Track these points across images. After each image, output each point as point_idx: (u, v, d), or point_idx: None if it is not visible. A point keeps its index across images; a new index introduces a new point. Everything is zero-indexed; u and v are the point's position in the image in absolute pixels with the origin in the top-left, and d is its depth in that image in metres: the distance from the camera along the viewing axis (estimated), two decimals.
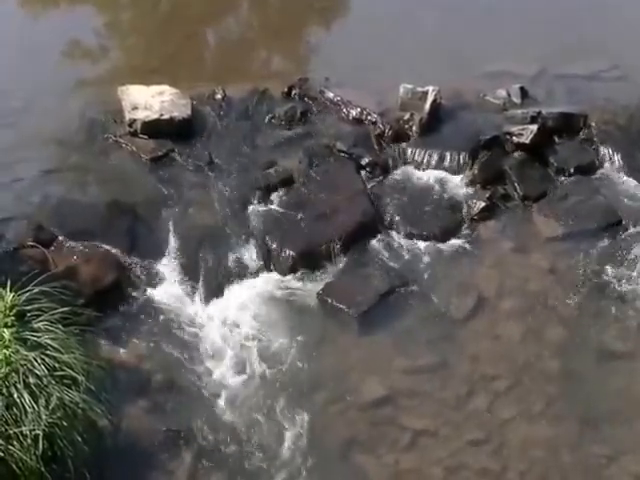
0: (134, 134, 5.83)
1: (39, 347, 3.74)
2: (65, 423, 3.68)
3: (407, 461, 4.30)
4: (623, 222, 5.58)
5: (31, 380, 3.65)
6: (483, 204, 5.62)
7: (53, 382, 3.69)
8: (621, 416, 4.54)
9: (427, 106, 6.03)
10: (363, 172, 5.80)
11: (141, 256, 5.05)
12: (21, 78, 6.34)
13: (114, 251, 5.00)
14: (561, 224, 5.55)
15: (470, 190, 5.73)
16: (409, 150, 5.92)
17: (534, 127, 5.93)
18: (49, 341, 3.76)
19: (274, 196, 5.54)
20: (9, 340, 3.72)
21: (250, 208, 5.44)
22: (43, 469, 3.64)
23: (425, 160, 5.86)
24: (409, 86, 6.14)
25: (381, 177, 5.79)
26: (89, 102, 6.15)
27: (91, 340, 4.29)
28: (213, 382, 4.58)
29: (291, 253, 5.18)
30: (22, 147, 5.68)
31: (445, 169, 5.84)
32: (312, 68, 6.97)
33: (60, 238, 5.02)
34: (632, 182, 5.86)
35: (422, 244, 5.41)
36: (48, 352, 3.73)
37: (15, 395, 3.62)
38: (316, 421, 4.42)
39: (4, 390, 3.63)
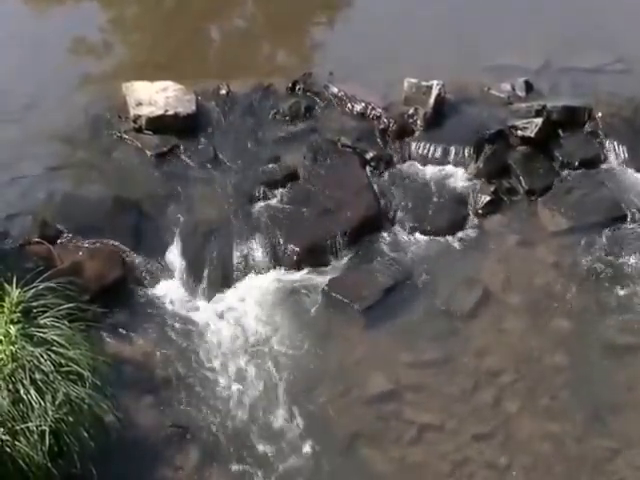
0: (139, 130, 5.83)
1: (45, 343, 3.75)
2: (71, 419, 3.69)
3: (413, 455, 4.30)
4: (628, 215, 5.55)
5: (37, 376, 3.66)
6: (488, 198, 5.60)
7: (59, 378, 3.69)
8: (627, 409, 4.52)
9: (431, 100, 6.01)
10: (368, 167, 5.79)
11: (146, 252, 5.05)
12: (26, 75, 6.33)
13: (119, 247, 5.00)
14: (566, 218, 5.52)
15: (475, 184, 5.71)
16: (413, 144, 5.90)
17: (539, 121, 5.90)
18: (55, 337, 3.76)
19: (278, 191, 5.52)
20: (15, 336, 3.71)
21: (255, 204, 5.43)
22: (49, 465, 3.65)
23: (429, 154, 5.84)
24: (413, 80, 6.11)
25: (386, 172, 5.77)
26: (94, 98, 6.15)
27: (97, 336, 4.31)
28: (218, 377, 4.58)
29: (296, 248, 5.17)
30: (27, 143, 5.68)
31: (449, 163, 5.82)
32: (316, 63, 6.95)
33: (65, 234, 5.03)
34: (637, 175, 5.83)
35: (427, 238, 5.40)
36: (54, 348, 3.74)
37: (21, 391, 3.63)
38: (322, 416, 4.42)
39: (10, 386, 3.64)
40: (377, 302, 4.98)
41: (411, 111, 6.01)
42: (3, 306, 3.78)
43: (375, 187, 5.64)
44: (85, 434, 3.73)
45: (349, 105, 6.19)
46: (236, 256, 5.13)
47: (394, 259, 5.26)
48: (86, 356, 3.79)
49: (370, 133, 5.97)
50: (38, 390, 3.63)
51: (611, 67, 6.65)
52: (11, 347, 3.69)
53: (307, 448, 4.28)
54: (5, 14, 7.14)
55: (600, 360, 4.75)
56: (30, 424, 3.59)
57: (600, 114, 6.08)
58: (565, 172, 5.85)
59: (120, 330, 4.67)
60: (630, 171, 5.87)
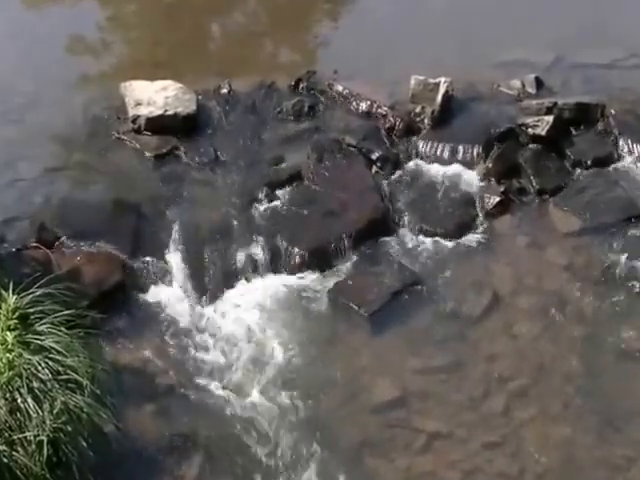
0: (138, 131, 5.74)
1: (43, 350, 3.68)
2: (70, 428, 3.62)
3: (421, 464, 4.21)
4: None
5: (35, 384, 3.60)
6: (497, 199, 5.49)
7: (57, 386, 3.63)
8: None
9: (439, 98, 5.90)
10: (373, 167, 5.68)
11: (146, 256, 4.95)
12: (22, 74, 6.26)
13: (118, 251, 4.91)
14: (579, 218, 5.40)
15: (484, 184, 5.59)
16: (420, 144, 5.79)
17: (550, 118, 5.77)
18: (53, 344, 3.70)
19: (282, 193, 5.42)
20: (12, 344, 3.66)
21: (257, 205, 5.33)
22: (48, 475, 3.58)
23: (437, 154, 5.73)
24: (420, 77, 6.01)
25: (392, 172, 5.66)
26: (92, 98, 6.08)
27: (95, 343, 4.21)
28: (220, 385, 4.49)
29: (300, 251, 5.07)
30: (24, 144, 5.61)
31: (458, 163, 5.70)
32: (320, 60, 6.83)
33: (63, 239, 4.95)
34: None
35: (435, 240, 5.29)
36: (52, 355, 3.67)
37: (19, 400, 3.57)
38: (327, 424, 4.33)
39: (7, 395, 3.58)
40: (384, 306, 4.88)
41: (418, 109, 5.92)
42: None
43: (381, 188, 5.53)
44: (84, 444, 3.67)
45: (354, 103, 6.09)
46: (238, 260, 5.03)
47: (401, 262, 5.14)
48: (85, 364, 3.73)
49: (376, 132, 5.86)
50: (36, 399, 3.57)
51: (624, 62, 6.51)
52: (8, 355, 3.63)
53: (311, 457, 4.18)
54: (1, 12, 7.07)
55: (614, 365, 4.63)
56: (28, 434, 3.53)
57: (613, 111, 5.94)
58: (577, 171, 5.72)
59: (119, 337, 4.59)
60: None
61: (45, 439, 3.53)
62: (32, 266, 4.62)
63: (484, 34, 6.69)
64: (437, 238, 5.30)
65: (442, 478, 4.16)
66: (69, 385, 3.67)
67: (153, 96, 5.83)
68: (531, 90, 6.24)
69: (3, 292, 3.80)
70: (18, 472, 3.54)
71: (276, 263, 5.05)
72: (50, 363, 3.63)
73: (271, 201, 5.38)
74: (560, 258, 5.23)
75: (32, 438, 3.52)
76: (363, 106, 6.06)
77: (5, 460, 3.51)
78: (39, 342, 3.69)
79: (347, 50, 6.66)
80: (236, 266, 5.01)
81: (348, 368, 4.61)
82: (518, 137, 5.82)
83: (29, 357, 3.61)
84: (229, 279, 4.97)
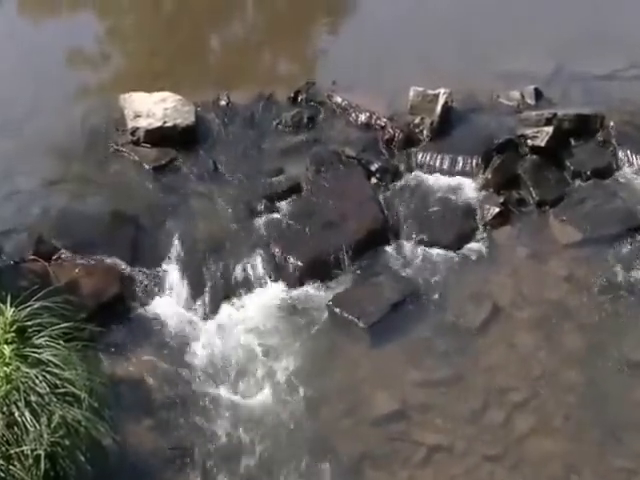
0: (137, 143, 5.73)
1: (40, 364, 3.65)
2: (67, 442, 3.59)
3: (421, 478, 4.18)
4: None
5: (32, 398, 3.57)
6: (497, 210, 5.48)
7: (55, 400, 3.60)
8: None
9: (438, 109, 5.90)
10: (373, 178, 5.68)
11: (144, 268, 4.94)
12: (22, 87, 6.26)
13: (117, 263, 4.90)
14: (578, 229, 5.39)
15: (483, 195, 5.58)
16: (420, 155, 5.79)
17: (549, 129, 5.78)
18: (50, 357, 3.67)
19: (281, 204, 5.42)
20: (9, 357, 3.63)
21: (256, 217, 5.32)
22: None
23: (436, 165, 5.73)
24: (419, 89, 6.01)
25: (391, 183, 5.66)
26: (90, 111, 6.08)
27: (93, 356, 4.20)
28: (219, 398, 4.46)
29: (299, 263, 5.06)
30: (23, 157, 5.61)
31: (457, 174, 5.70)
32: (319, 72, 6.85)
33: (61, 251, 4.93)
34: None
35: (434, 252, 5.28)
36: (49, 369, 3.64)
37: (16, 414, 3.54)
38: (327, 436, 4.30)
39: (4, 409, 3.55)
40: (383, 318, 4.85)
41: (417, 120, 5.92)
42: None
43: (380, 199, 5.52)
44: (82, 458, 3.64)
45: (353, 115, 6.09)
46: (237, 271, 5.01)
47: (400, 273, 5.13)
48: (83, 377, 3.70)
49: (375, 143, 5.87)
50: (33, 412, 3.54)
51: (624, 73, 6.51)
52: (5, 368, 3.61)
53: (311, 470, 4.15)
54: None
55: (615, 377, 4.61)
56: (25, 448, 3.49)
57: (613, 122, 5.95)
58: (577, 182, 5.72)
59: (118, 349, 4.56)
60: None
61: (43, 453, 3.50)
62: (30, 279, 4.60)
63: (483, 45, 6.69)
64: (436, 249, 5.29)
65: None
66: (67, 398, 3.64)
67: (152, 108, 5.83)
68: (530, 101, 6.24)
69: (1, 305, 3.77)
70: None
71: (275, 275, 5.04)
72: (48, 376, 3.61)
73: (270, 213, 5.37)
74: (560, 269, 5.22)
75: (29, 452, 3.49)
76: (362, 117, 6.06)
77: (2, 475, 3.49)
78: (37, 355, 3.66)
79: (346, 61, 6.67)
80: (235, 278, 4.99)
81: (348, 380, 4.59)
82: (517, 148, 5.82)
83: (27, 370, 3.59)
84: (228, 291, 4.95)
